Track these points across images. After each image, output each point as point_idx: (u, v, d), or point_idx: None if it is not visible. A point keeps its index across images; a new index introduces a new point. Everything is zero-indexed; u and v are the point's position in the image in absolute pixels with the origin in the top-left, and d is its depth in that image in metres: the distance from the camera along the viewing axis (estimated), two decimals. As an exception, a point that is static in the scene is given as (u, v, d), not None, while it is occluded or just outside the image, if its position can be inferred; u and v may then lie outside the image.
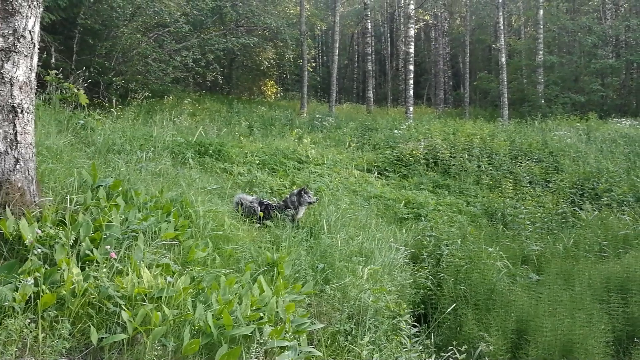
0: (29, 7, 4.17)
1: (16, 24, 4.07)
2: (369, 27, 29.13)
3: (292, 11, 29.95)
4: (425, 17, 37.10)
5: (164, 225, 4.86)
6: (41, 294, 3.30)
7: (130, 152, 8.05)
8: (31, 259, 3.57)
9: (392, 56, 42.08)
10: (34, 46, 4.26)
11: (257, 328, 3.73)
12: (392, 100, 36.28)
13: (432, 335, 5.82)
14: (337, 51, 25.87)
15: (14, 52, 4.07)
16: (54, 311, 3.28)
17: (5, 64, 4.02)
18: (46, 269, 3.55)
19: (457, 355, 4.85)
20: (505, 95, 25.21)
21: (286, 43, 24.80)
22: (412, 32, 23.44)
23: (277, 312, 4.06)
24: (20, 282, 3.27)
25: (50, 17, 12.06)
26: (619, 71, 28.15)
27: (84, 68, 12.29)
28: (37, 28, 4.28)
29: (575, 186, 11.75)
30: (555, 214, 10.23)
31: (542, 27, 27.87)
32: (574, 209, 10.54)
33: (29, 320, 3.15)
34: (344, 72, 45.07)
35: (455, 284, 6.91)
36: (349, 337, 4.55)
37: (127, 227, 4.49)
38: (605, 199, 10.77)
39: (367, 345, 4.43)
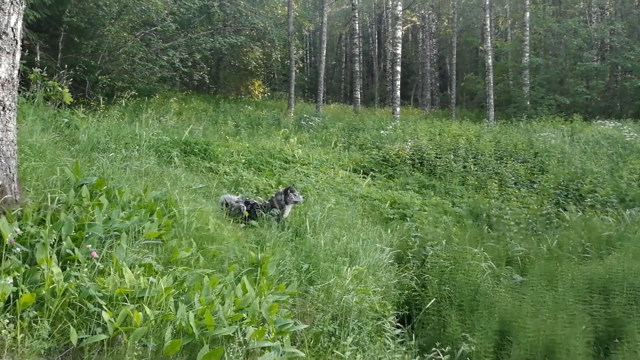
0: (12, 3, 4.12)
1: (-2, 21, 4.03)
2: (357, 28, 29.15)
3: (280, 11, 29.90)
4: (413, 19, 37.29)
5: (147, 225, 4.82)
6: (20, 293, 3.26)
7: (115, 150, 7.99)
8: (10, 258, 3.52)
9: (379, 57, 42.17)
10: (17, 43, 4.22)
11: (239, 328, 3.72)
12: (380, 100, 36.35)
13: (416, 336, 5.83)
14: (325, 52, 25.86)
15: (-4, 49, 4.02)
16: (34, 311, 3.24)
17: (-14, 61, 3.97)
18: (26, 268, 3.51)
19: (441, 356, 4.87)
20: (492, 97, 25.35)
21: (274, 43, 24.77)
22: (399, 34, 23.48)
23: (260, 312, 4.04)
24: (-1, 281, 3.23)
25: (35, 15, 11.93)
26: (604, 74, 28.42)
27: (69, 66, 12.19)
28: (19, 25, 4.24)
29: (559, 187, 11.83)
30: (539, 214, 10.30)
31: (528, 29, 28.09)
32: (558, 210, 10.62)
33: (8, 321, 3.11)
34: (332, 73, 45.11)
35: (439, 284, 6.93)
36: (333, 338, 4.55)
37: (110, 226, 4.45)
38: (589, 199, 10.85)
39: (351, 347, 4.44)
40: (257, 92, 32.18)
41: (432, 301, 6.39)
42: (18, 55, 4.28)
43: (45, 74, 9.41)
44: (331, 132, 16.87)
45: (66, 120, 8.56)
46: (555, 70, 29.34)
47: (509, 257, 8.26)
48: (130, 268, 3.89)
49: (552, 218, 10.11)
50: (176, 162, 9.15)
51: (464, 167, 13.44)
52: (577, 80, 27.41)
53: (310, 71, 42.24)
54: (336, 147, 14.75)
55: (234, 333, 3.66)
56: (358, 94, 27.99)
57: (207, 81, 24.03)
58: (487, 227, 9.82)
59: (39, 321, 3.21)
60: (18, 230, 3.76)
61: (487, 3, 26.85)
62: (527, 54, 27.68)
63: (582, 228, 9.14)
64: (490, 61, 25.91)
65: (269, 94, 33.65)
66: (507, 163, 13.55)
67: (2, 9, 4.06)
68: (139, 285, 3.72)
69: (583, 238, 8.60)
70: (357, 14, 28.96)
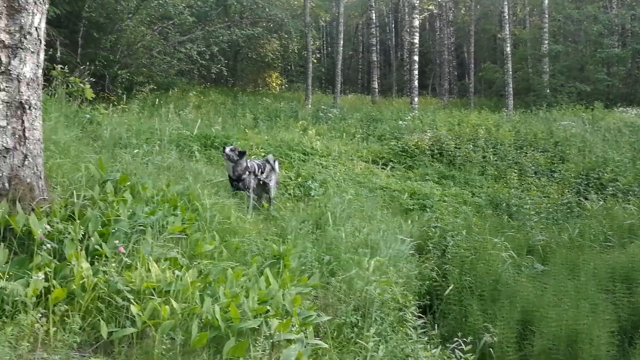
0: (35, 3, 4.18)
1: (22, 21, 4.09)
2: (374, 17, 29.04)
3: (296, 2, 29.88)
4: (430, 7, 36.96)
5: (171, 219, 4.89)
6: (52, 288, 3.35)
7: (136, 145, 8.09)
8: (41, 254, 3.61)
9: (396, 46, 41.94)
10: (41, 42, 4.28)
11: (264, 321, 3.77)
12: (397, 90, 36.17)
13: (438, 326, 5.86)
14: (342, 42, 25.81)
15: (21, 48, 4.08)
16: (65, 306, 3.32)
17: (12, 61, 4.04)
18: (56, 264, 3.59)
19: (463, 346, 4.89)
20: (510, 85, 25.08)
21: (290, 35, 24.76)
22: (416, 23, 23.34)
23: (284, 305, 4.10)
24: (31, 277, 3.32)
25: (55, 11, 12.08)
26: (625, 60, 27.94)
27: (89, 61, 12.34)
28: (43, 24, 4.30)
29: (580, 176, 11.74)
30: (560, 204, 10.24)
31: (547, 16, 27.69)
32: (579, 199, 10.55)
33: (40, 315, 3.19)
34: (349, 63, 44.96)
35: (460, 274, 6.94)
36: (355, 329, 4.60)
37: (135, 221, 4.53)
38: (611, 188, 10.76)
39: (373, 337, 4.47)
40: (274, 84, 32.24)
41: (451, 288, 6.39)
42: (42, 55, 4.35)
43: (67, 70, 9.55)
44: (349, 123, 16.86)
45: (88, 116, 8.68)
46: (575, 58, 28.95)
47: (529, 247, 8.23)
48: (156, 262, 3.97)
49: (573, 207, 10.05)
50: (197, 156, 9.23)
51: (484, 157, 13.38)
52: (597, 67, 27.01)
53: (327, 62, 42.15)
54: (354, 139, 14.75)
55: (258, 326, 3.72)
56: (376, 84, 27.92)
57: (225, 74, 24.13)
58: (507, 216, 9.80)
59: (70, 315, 3.29)
60: (47, 226, 3.85)
61: (505, -10, 26.53)
62: (547, 42, 27.29)
63: (603, 217, 9.08)
64: (508, 49, 25.60)
65: (286, 85, 33.67)
66: (526, 152, 13.46)
67: (26, 9, 4.12)
68: (165, 279, 3.79)
69: (605, 227, 8.54)
70: (373, 3, 28.85)
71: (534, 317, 5.98)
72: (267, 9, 22.68)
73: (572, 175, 11.81)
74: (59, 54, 12.83)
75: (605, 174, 11.45)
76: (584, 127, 16.12)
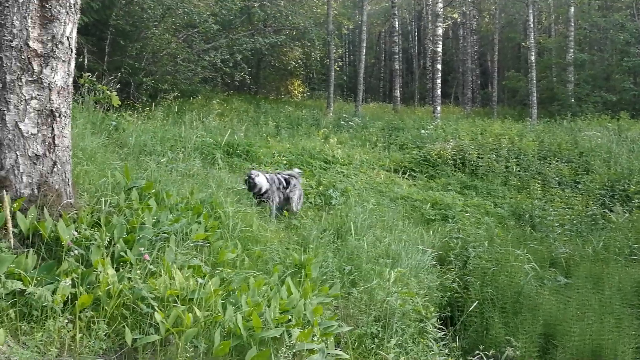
0: (67, 13, 4.28)
1: (54, 31, 4.19)
2: (397, 25, 29.04)
3: (319, 10, 29.97)
4: (454, 15, 36.86)
5: (194, 227, 4.96)
6: (78, 294, 3.41)
7: (161, 153, 8.20)
8: (68, 260, 3.68)
9: (419, 55, 41.83)
10: (72, 52, 4.38)
11: (285, 330, 3.80)
12: (419, 99, 36.07)
13: (459, 338, 5.82)
14: (364, 50, 25.80)
15: (53, 57, 4.19)
16: (91, 312, 3.38)
17: (44, 70, 4.14)
18: (83, 270, 3.66)
19: (484, 359, 4.86)
20: (535, 94, 24.84)
21: (313, 43, 24.86)
22: (440, 31, 23.30)
23: (305, 314, 4.12)
24: (59, 283, 3.39)
25: (83, 19, 12.30)
26: (653, 70, 27.58)
27: (115, 69, 12.53)
28: (74, 34, 4.40)
29: (605, 187, 11.56)
30: (584, 216, 10.09)
31: (573, 24, 27.40)
32: (604, 211, 10.38)
33: (67, 321, 3.25)
34: (371, 71, 44.94)
35: (481, 286, 6.87)
36: (376, 340, 4.59)
37: (159, 228, 4.59)
38: (637, 200, 10.57)
39: (394, 348, 4.47)
40: (296, 92, 32.37)
41: (477, 306, 6.34)
42: (73, 64, 4.45)
43: (94, 77, 9.71)
44: (371, 132, 16.85)
45: (114, 123, 8.82)
46: (601, 67, 28.60)
47: (552, 259, 8.12)
48: (179, 270, 4.02)
49: (598, 219, 9.89)
50: (220, 163, 9.32)
51: (506, 167, 13.28)
52: (624, 77, 26.65)
53: (349, 70, 42.21)
54: (376, 147, 14.75)
55: (280, 335, 3.75)
56: (397, 93, 27.89)
57: (248, 81, 24.29)
58: (529, 228, 9.68)
59: (96, 321, 3.35)
60: (75, 233, 3.92)
61: (530, -2, 26.37)
62: (572, 50, 27.00)
63: (629, 229, 8.92)
64: (533, 58, 25.37)
65: (308, 93, 33.79)
66: (550, 163, 13.31)
67: (59, 19, 4.22)
68: (188, 286, 3.84)
69: (630, 240, 8.40)
70: (396, 11, 28.86)
71: (556, 331, 5.90)
72: (290, 17, 22.81)
73: (597, 186, 11.64)
74: (86, 61, 13.04)
75: (631, 186, 11.26)
76: (610, 138, 15.90)
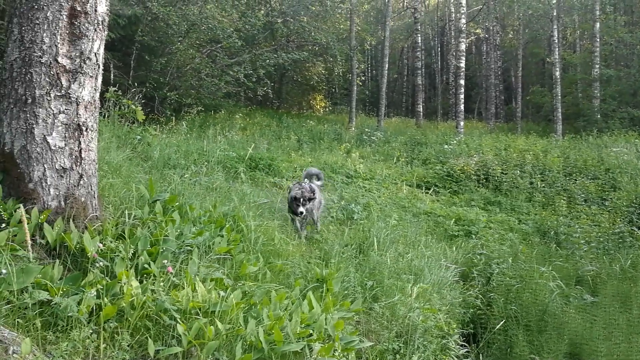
0: (95, 30, 4.38)
1: (83, 47, 4.28)
2: (419, 41, 29.09)
3: (342, 26, 30.16)
4: (477, 31, 36.76)
5: (217, 240, 4.99)
6: (103, 305, 3.45)
7: (184, 166, 8.28)
8: (93, 272, 3.72)
9: (442, 70, 41.82)
10: (99, 67, 4.47)
11: (307, 345, 3.79)
12: (442, 114, 35.99)
13: (482, 356, 5.74)
14: (387, 65, 25.88)
15: (80, 73, 4.27)
16: (114, 323, 3.41)
17: (72, 85, 4.22)
18: (107, 281, 3.69)
19: (508, 377, 4.79)
20: (559, 110, 24.62)
21: (335, 58, 25.01)
22: (463, 46, 23.27)
23: (326, 329, 4.10)
24: (84, 294, 3.43)
25: (110, 35, 12.55)
26: (680, 85, 27.16)
27: (140, 83, 12.74)
28: (102, 50, 4.49)
29: (633, 205, 11.35)
30: (611, 233, 9.90)
31: (598, 40, 27.16)
32: (632, 229, 10.18)
33: (91, 331, 3.29)
34: (393, 86, 45.01)
35: (505, 303, 6.78)
36: (397, 356, 4.55)
37: (183, 241, 4.63)
38: (666, 218, 10.39)
39: (416, 365, 4.43)
40: (318, 107, 32.52)
41: (501, 323, 6.25)
42: (100, 79, 4.54)
43: (119, 92, 9.88)
44: (393, 147, 16.85)
45: (139, 137, 8.94)
46: (628, 82, 28.24)
47: (578, 277, 7.98)
48: (202, 282, 4.04)
49: (626, 237, 9.71)
50: (242, 177, 9.37)
51: (531, 183, 13.14)
52: (651, 93, 26.32)
53: (372, 84, 42.31)
54: (398, 162, 14.72)
55: (301, 349, 3.73)
56: (420, 108, 27.86)
57: (271, 96, 24.50)
58: (555, 245, 9.54)
59: (120, 332, 3.38)
60: (100, 245, 3.97)
61: (555, 14, 26.23)
62: (598, 66, 26.74)
63: (657, 248, 8.76)
64: (557, 73, 25.19)
65: (330, 108, 33.93)
66: (576, 179, 13.14)
67: (87, 36, 4.31)
68: (210, 299, 3.85)
69: (659, 258, 8.24)
70: (419, 27, 28.90)
71: (582, 351, 5.80)
72: (313, 33, 22.99)
73: (624, 203, 11.43)
74: (112, 76, 13.28)
75: (660, 203, 11.06)
76: (637, 154, 15.65)
